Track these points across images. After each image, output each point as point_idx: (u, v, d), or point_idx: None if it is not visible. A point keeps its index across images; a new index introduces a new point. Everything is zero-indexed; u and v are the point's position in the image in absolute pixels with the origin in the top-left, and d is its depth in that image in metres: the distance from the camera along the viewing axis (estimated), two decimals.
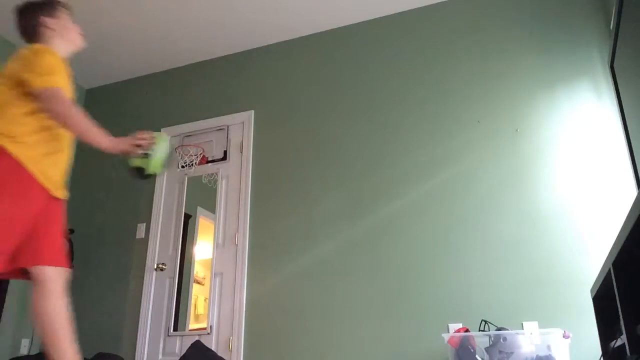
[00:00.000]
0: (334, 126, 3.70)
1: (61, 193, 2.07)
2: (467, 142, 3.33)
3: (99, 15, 3.89)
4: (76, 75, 4.67)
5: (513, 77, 3.36)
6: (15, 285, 3.84)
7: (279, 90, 4.04)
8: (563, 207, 3.00)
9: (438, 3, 3.76)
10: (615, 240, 1.55)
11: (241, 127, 4.06)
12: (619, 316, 1.55)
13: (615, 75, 2.68)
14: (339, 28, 4.03)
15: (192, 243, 3.91)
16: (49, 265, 1.89)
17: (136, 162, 2.01)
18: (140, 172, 2.02)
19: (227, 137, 4.08)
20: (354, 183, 3.51)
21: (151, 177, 2.03)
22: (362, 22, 3.96)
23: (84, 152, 4.62)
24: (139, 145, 2.02)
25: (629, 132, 2.49)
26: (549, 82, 3.26)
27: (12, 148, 1.87)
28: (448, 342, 2.59)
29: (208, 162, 4.08)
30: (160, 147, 2.01)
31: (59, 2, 2.25)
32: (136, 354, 3.67)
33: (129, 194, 4.23)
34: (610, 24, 2.98)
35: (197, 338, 3.44)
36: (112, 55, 4.38)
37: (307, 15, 3.91)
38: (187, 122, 4.26)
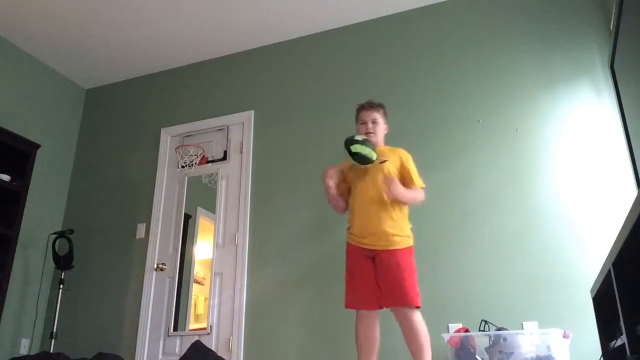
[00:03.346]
0: (334, 126, 3.69)
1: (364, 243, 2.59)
2: (467, 142, 3.33)
3: (98, 15, 3.89)
4: (76, 75, 4.67)
5: (513, 77, 3.36)
6: (15, 286, 3.84)
7: (279, 90, 4.04)
8: (563, 207, 2.99)
9: (437, 3, 3.76)
10: (615, 240, 1.55)
11: (241, 127, 4.06)
12: (619, 316, 1.55)
13: (615, 75, 2.69)
14: (339, 28, 4.02)
15: (192, 243, 3.91)
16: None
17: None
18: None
19: (227, 137, 4.08)
20: None
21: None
22: (362, 22, 3.96)
23: (83, 151, 4.62)
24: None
25: (629, 132, 2.50)
26: (549, 82, 3.26)
27: None
28: (448, 342, 2.59)
29: (208, 162, 4.07)
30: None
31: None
32: (136, 354, 3.67)
33: (129, 194, 4.23)
34: (610, 24, 2.98)
35: (197, 338, 3.44)
36: (112, 55, 4.38)
37: (307, 16, 3.91)
38: (187, 122, 4.25)
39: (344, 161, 2.70)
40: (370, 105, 2.79)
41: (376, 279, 2.49)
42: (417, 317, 2.43)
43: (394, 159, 2.68)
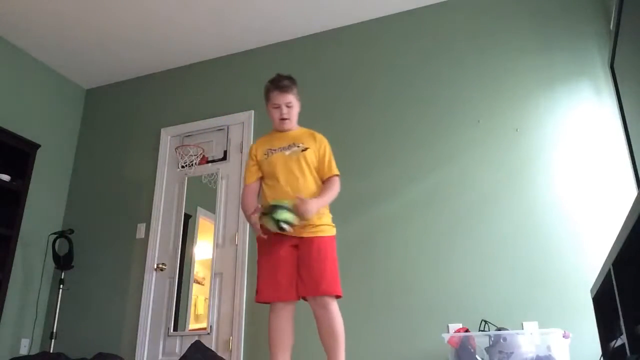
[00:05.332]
0: (333, 126, 3.69)
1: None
2: (467, 142, 3.33)
3: (98, 15, 3.89)
4: (76, 75, 4.67)
5: (513, 77, 3.36)
6: (15, 286, 3.84)
7: None
8: (563, 206, 2.99)
9: (438, 3, 3.76)
10: (615, 240, 1.55)
11: (241, 127, 4.06)
12: (619, 316, 1.55)
13: (615, 75, 2.68)
14: (339, 28, 4.02)
15: (192, 243, 3.91)
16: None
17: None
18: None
19: (227, 137, 4.08)
20: (353, 182, 3.51)
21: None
22: (362, 22, 3.96)
23: (83, 151, 4.62)
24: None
25: (629, 132, 2.50)
26: (549, 82, 3.26)
27: None
28: (448, 342, 2.59)
29: (208, 162, 4.07)
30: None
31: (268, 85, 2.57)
32: (136, 354, 3.67)
33: (128, 194, 4.23)
34: (610, 24, 2.98)
35: (197, 338, 3.44)
36: (112, 55, 4.38)
37: (306, 16, 3.91)
38: (187, 122, 4.25)
39: (254, 145, 2.59)
40: (284, 88, 2.53)
41: (297, 268, 2.40)
42: (336, 308, 2.35)
43: (315, 147, 2.55)
